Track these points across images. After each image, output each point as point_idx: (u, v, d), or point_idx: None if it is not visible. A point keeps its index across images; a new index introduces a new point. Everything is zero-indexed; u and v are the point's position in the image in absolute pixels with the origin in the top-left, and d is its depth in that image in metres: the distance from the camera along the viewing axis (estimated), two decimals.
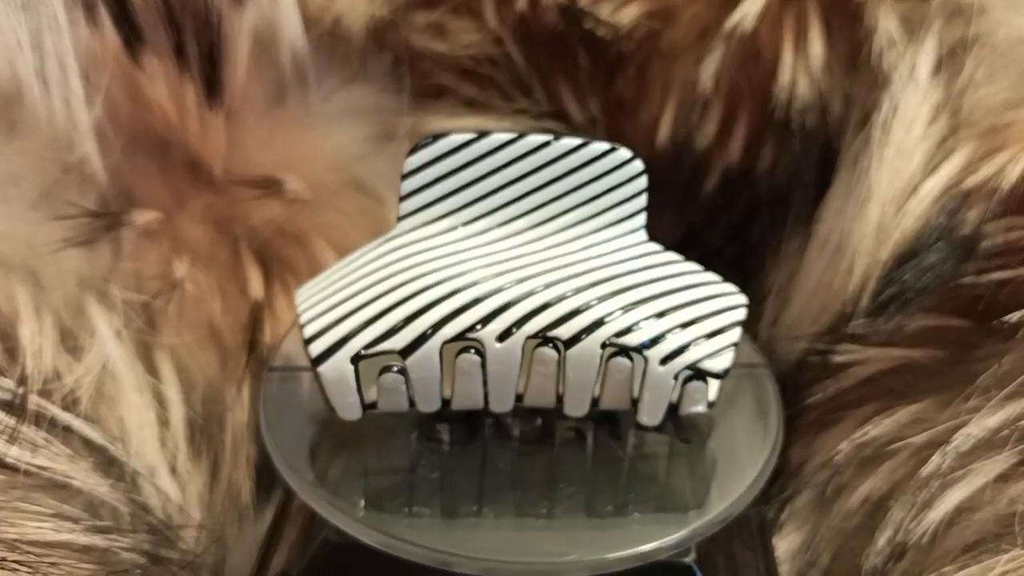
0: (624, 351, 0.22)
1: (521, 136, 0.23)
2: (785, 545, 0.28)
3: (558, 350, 0.22)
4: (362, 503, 0.22)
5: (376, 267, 0.23)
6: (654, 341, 0.22)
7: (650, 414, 0.23)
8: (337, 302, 0.22)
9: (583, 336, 0.22)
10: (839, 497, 0.27)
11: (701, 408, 0.23)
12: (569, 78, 0.34)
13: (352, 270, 0.23)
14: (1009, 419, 0.24)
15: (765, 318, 0.32)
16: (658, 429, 0.24)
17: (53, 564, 0.22)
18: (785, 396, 0.26)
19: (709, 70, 0.32)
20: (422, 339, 0.22)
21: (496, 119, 0.33)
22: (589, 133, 0.34)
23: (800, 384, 0.29)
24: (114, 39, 0.28)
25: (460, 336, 0.22)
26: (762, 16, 0.31)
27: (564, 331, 0.22)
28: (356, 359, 0.22)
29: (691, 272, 0.24)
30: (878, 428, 0.27)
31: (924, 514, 0.24)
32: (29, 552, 0.22)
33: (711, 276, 0.24)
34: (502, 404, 0.23)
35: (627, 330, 0.22)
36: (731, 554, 0.24)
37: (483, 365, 0.22)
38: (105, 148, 0.28)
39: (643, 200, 0.24)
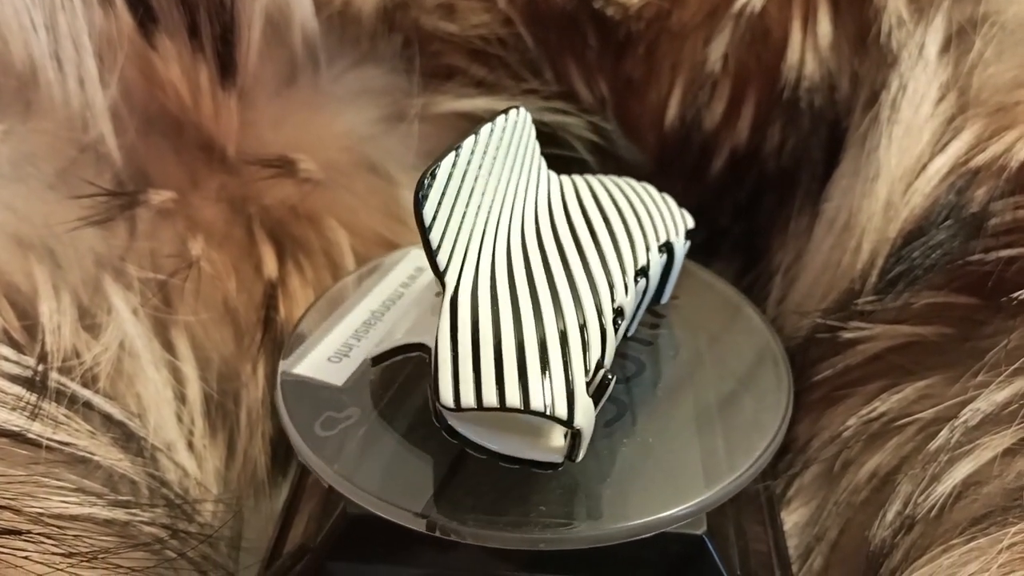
0: (665, 247, 0.25)
1: (477, 132, 0.23)
2: (793, 519, 0.28)
3: (643, 275, 0.24)
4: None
5: (491, 321, 0.21)
6: (671, 228, 0.26)
7: (671, 287, 0.27)
8: (519, 367, 0.21)
9: (651, 255, 0.24)
10: (847, 472, 0.28)
11: None
12: (578, 58, 0.34)
13: (472, 337, 0.21)
14: (1017, 394, 0.24)
15: (773, 296, 0.32)
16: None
17: (76, 537, 0.23)
18: (793, 373, 0.26)
19: (718, 50, 0.32)
20: (603, 337, 0.22)
21: (506, 99, 0.34)
22: (598, 113, 0.34)
23: (808, 361, 0.29)
24: (128, 20, 0.28)
25: (615, 312, 0.23)
26: None
27: (641, 259, 0.24)
28: (589, 392, 0.21)
29: (610, 178, 0.27)
30: (886, 404, 0.27)
31: (932, 488, 0.24)
32: (53, 525, 0.22)
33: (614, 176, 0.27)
34: None
35: (659, 232, 0.25)
36: (740, 527, 0.25)
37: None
38: (120, 128, 0.28)
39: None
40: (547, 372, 0.21)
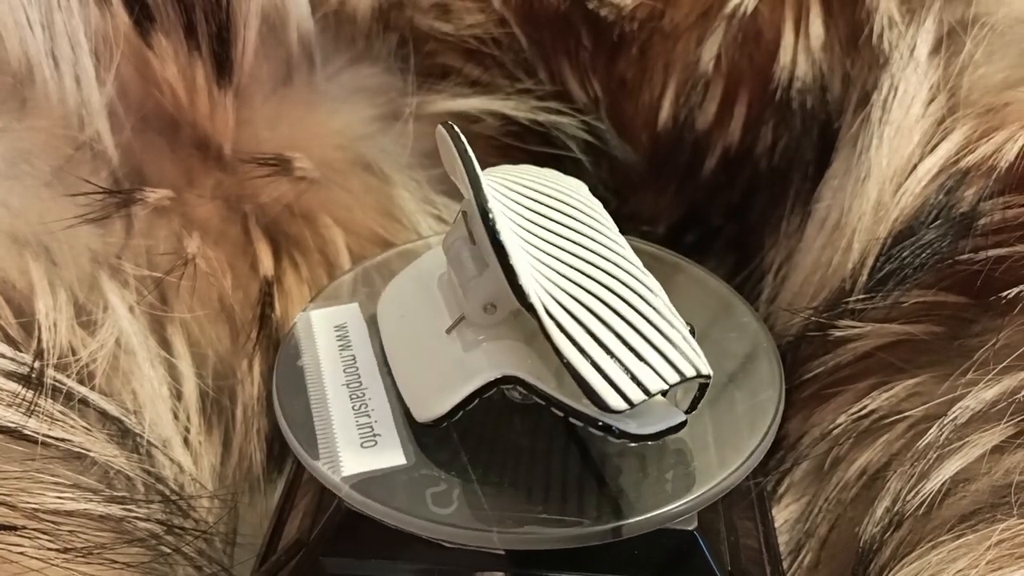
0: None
1: (467, 149, 0.23)
2: (784, 516, 0.28)
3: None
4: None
5: (599, 323, 0.22)
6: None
7: None
8: (655, 349, 0.22)
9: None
10: (837, 469, 0.28)
11: None
12: (572, 58, 0.34)
13: (596, 343, 0.22)
14: (1006, 392, 0.25)
15: (765, 294, 0.33)
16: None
17: (72, 532, 0.23)
18: (784, 370, 0.26)
19: (710, 51, 0.32)
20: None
21: (500, 99, 0.34)
22: (592, 113, 0.35)
23: (799, 359, 0.30)
24: (124, 19, 0.28)
25: None
26: None
27: (613, 223, 0.25)
28: None
29: (505, 168, 0.27)
30: (876, 402, 0.27)
31: (921, 485, 0.25)
32: (48, 521, 0.22)
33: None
34: None
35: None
36: (731, 523, 0.25)
37: None
38: (116, 126, 0.28)
39: None
40: (672, 343, 0.22)
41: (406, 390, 0.24)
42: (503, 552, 0.22)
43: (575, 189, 0.26)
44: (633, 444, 0.22)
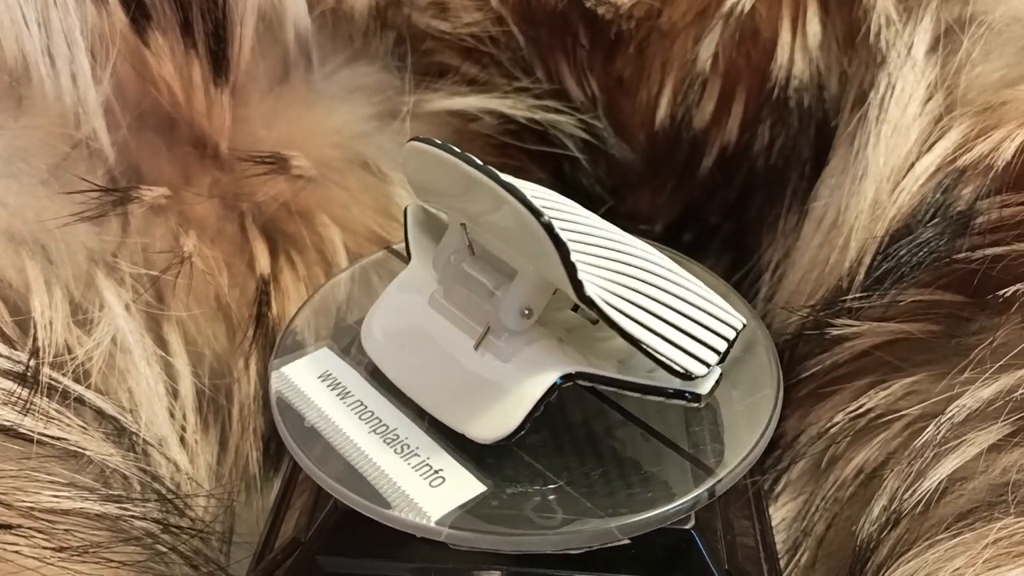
0: None
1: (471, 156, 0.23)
2: (781, 515, 0.28)
3: None
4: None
5: (654, 300, 0.23)
6: None
7: None
8: (706, 312, 0.23)
9: None
10: (834, 468, 0.28)
11: None
12: (569, 57, 0.34)
13: (659, 319, 0.23)
14: (1003, 391, 0.25)
15: (762, 293, 0.33)
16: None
17: (68, 531, 0.23)
18: (781, 368, 0.26)
19: (708, 49, 0.32)
20: None
21: (498, 98, 0.34)
22: (589, 111, 0.35)
23: (796, 357, 0.30)
24: (121, 17, 0.28)
25: None
26: None
27: None
28: None
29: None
30: (873, 400, 0.27)
31: (918, 483, 0.25)
32: (44, 519, 0.22)
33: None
34: None
35: None
36: (728, 522, 0.25)
37: None
38: (112, 124, 0.28)
39: None
40: (713, 303, 0.24)
41: (451, 417, 0.23)
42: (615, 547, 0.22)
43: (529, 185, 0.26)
44: (701, 405, 0.24)
